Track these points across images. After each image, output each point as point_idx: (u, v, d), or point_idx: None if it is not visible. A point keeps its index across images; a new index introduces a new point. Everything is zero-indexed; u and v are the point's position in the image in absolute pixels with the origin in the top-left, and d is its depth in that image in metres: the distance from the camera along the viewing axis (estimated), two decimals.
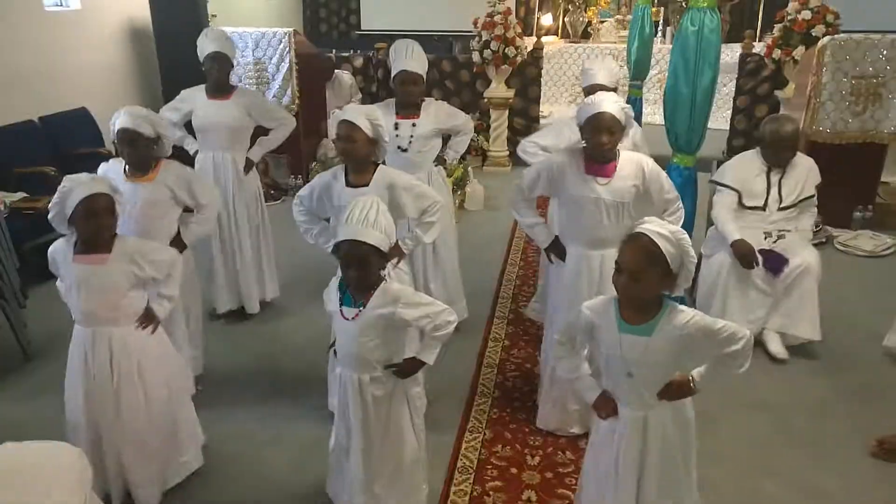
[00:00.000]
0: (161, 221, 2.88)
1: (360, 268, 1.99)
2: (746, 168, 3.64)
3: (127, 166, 2.83)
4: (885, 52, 4.83)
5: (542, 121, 7.65)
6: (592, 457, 2.08)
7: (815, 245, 3.58)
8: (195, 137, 3.79)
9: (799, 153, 3.62)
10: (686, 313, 1.80)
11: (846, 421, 2.96)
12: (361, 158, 2.62)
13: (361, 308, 2.04)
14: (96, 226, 2.26)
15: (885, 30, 5.31)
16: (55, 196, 2.27)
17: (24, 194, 4.42)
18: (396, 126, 3.34)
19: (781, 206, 3.55)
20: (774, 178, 3.57)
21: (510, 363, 3.44)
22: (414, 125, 3.36)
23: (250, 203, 3.84)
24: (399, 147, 3.36)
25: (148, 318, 2.42)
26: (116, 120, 2.74)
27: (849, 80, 4.92)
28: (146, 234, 2.79)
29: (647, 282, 1.76)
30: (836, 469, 2.66)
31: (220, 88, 3.71)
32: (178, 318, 2.96)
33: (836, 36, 5.12)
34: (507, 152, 7.25)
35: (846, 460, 2.71)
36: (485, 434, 2.87)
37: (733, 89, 7.17)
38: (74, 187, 2.24)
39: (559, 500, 2.48)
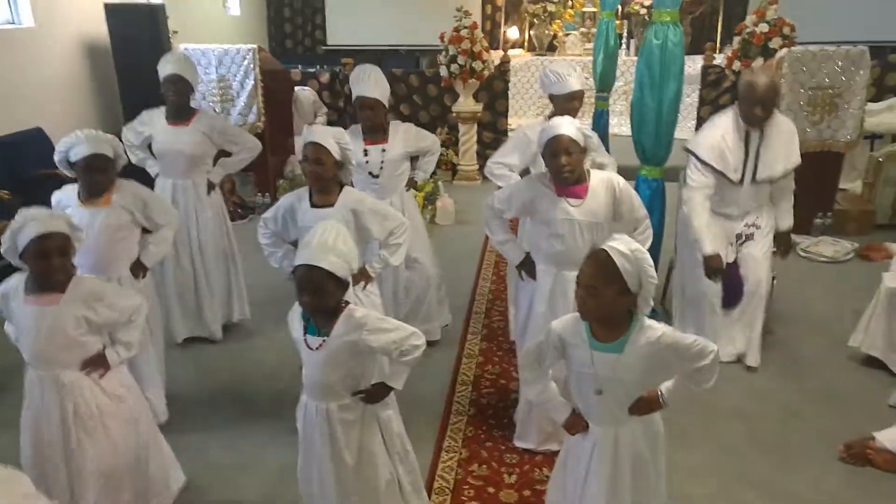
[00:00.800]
0: (121, 245, 2.81)
1: (314, 294, 1.93)
2: (722, 133, 3.34)
3: (82, 192, 2.74)
4: (840, 63, 4.96)
5: (510, 134, 7.69)
6: (560, 476, 2.06)
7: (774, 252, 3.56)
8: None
9: (778, 113, 3.39)
10: (656, 329, 1.80)
11: (815, 426, 3.00)
12: (328, 180, 2.60)
13: (325, 338, 1.99)
14: (47, 266, 2.14)
15: (839, 41, 5.47)
16: (7, 229, 2.15)
17: None
18: (366, 153, 3.32)
19: (761, 177, 3.32)
20: (754, 144, 3.31)
21: (485, 379, 3.41)
22: (384, 150, 3.34)
23: (214, 226, 3.75)
24: (370, 173, 3.33)
25: (94, 363, 2.26)
26: (74, 147, 2.64)
27: (806, 91, 5.04)
28: (107, 260, 2.73)
29: (603, 298, 1.76)
30: (808, 475, 2.69)
31: (180, 113, 3.60)
32: (145, 352, 2.86)
33: (792, 48, 5.25)
34: (477, 166, 7.27)
35: (817, 466, 2.75)
36: (461, 453, 2.84)
37: (697, 100, 7.31)
38: (27, 223, 2.11)
39: None
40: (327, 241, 1.94)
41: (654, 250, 3.79)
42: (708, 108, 7.06)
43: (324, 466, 2.10)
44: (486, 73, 6.85)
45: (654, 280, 1.77)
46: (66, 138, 2.68)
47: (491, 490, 2.62)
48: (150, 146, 3.71)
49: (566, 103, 3.24)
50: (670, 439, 2.87)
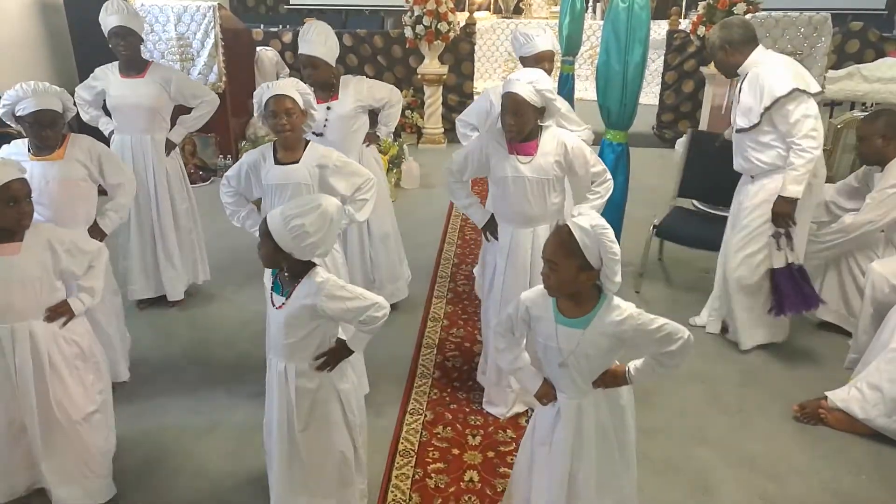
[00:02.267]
0: (77, 203, 2.71)
1: (264, 245, 1.94)
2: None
3: (31, 146, 2.64)
4: (802, 29, 5.02)
5: (475, 97, 7.62)
6: (528, 442, 2.07)
7: None
8: (110, 117, 3.58)
9: (755, 61, 3.10)
10: (621, 309, 1.78)
11: (771, 387, 3.09)
12: (298, 132, 2.55)
13: (286, 298, 1.97)
14: (18, 214, 2.10)
15: (802, 7, 5.51)
16: None
17: None
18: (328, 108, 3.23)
19: (736, 128, 3.20)
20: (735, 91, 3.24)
21: (449, 342, 3.43)
22: (329, 108, 3.23)
23: (174, 186, 3.65)
24: (314, 132, 3.17)
25: (58, 312, 2.22)
26: (21, 102, 2.53)
27: None
28: (63, 215, 2.63)
29: (563, 272, 1.75)
30: (761, 434, 2.78)
31: (133, 65, 3.47)
32: (105, 311, 2.81)
33: (756, 13, 5.28)
34: (443, 129, 7.22)
35: (771, 425, 2.84)
36: (425, 416, 2.86)
37: (661, 65, 7.33)
38: None
39: (501, 479, 2.49)
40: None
41: (616, 218, 3.83)
42: (672, 73, 7.09)
43: (274, 425, 2.09)
44: (451, 34, 6.75)
45: (615, 256, 1.72)
46: (11, 91, 2.55)
47: (455, 451, 2.65)
48: (104, 105, 3.57)
49: (535, 64, 3.22)
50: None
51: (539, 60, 3.26)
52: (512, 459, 2.56)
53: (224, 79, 5.90)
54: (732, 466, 2.60)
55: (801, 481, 2.52)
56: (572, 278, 1.75)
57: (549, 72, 3.14)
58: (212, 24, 5.77)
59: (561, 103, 3.14)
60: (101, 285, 2.37)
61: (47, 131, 2.58)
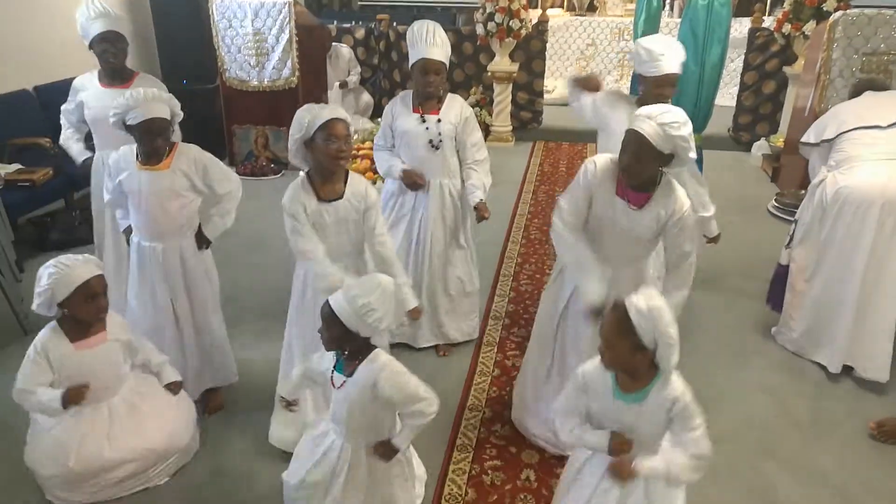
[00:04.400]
0: (181, 213, 2.63)
1: (330, 329, 1.90)
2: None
3: (140, 154, 2.57)
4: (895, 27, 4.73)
5: (545, 96, 7.56)
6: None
7: None
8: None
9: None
10: (676, 389, 1.73)
11: (845, 403, 2.95)
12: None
13: (347, 377, 1.97)
14: (96, 309, 2.30)
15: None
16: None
17: (20, 166, 4.37)
18: (423, 119, 2.97)
19: None
20: None
21: (510, 342, 3.42)
22: (439, 121, 2.97)
23: None
24: (430, 142, 2.98)
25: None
26: (132, 111, 2.47)
27: (859, 56, 4.83)
28: (165, 226, 2.62)
29: (618, 351, 1.72)
30: (833, 450, 2.66)
31: (118, 74, 3.20)
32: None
33: (847, 11, 5.02)
34: (511, 127, 7.18)
35: (844, 442, 2.71)
36: (484, 413, 2.86)
37: (741, 65, 7.06)
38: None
39: (558, 480, 2.46)
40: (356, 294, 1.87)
41: None
42: (753, 73, 6.82)
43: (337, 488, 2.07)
44: (523, 31, 6.70)
45: (670, 340, 1.66)
46: (122, 99, 2.48)
47: (513, 450, 2.64)
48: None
49: (655, 89, 2.74)
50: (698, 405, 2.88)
51: (660, 85, 2.74)
52: None
53: (297, 73, 6.05)
54: (801, 482, 2.49)
55: (877, 502, 2.40)
56: (627, 358, 1.73)
57: (668, 98, 2.71)
58: (287, 19, 5.91)
59: (696, 176, 2.96)
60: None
61: (158, 140, 2.52)
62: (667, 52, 2.72)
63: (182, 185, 2.60)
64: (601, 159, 2.24)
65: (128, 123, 2.50)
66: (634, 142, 2.05)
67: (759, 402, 2.96)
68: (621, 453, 1.78)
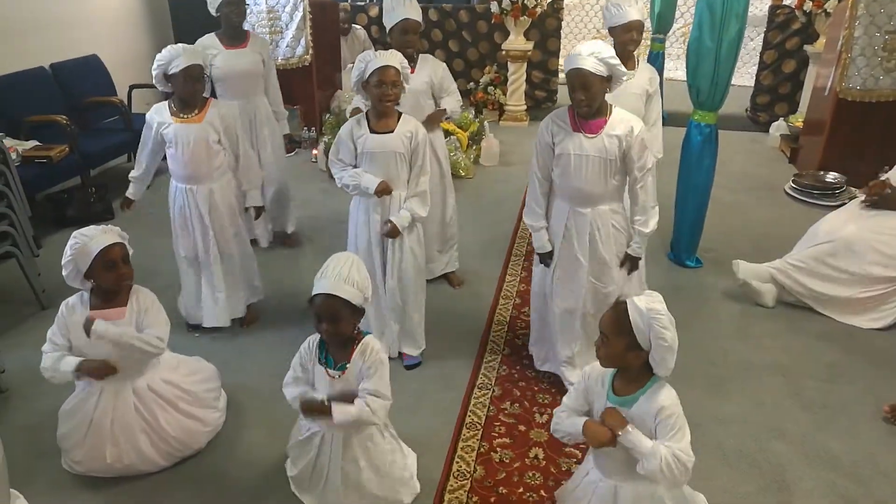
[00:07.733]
0: (213, 160, 3.01)
1: (332, 321, 1.98)
2: None
3: (176, 104, 2.95)
4: None
5: (560, 75, 7.48)
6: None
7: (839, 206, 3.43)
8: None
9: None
10: (666, 396, 1.75)
11: (858, 386, 2.93)
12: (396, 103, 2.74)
13: (342, 370, 2.05)
14: (117, 276, 2.30)
15: None
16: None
17: (37, 143, 4.40)
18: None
19: None
20: None
21: (521, 321, 3.42)
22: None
23: (273, 148, 4.06)
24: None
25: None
26: (173, 61, 2.83)
27: (882, 34, 4.73)
28: (199, 175, 3.01)
29: (612, 347, 1.77)
30: (845, 433, 2.65)
31: (238, 35, 3.75)
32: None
33: None
34: (525, 106, 7.12)
35: (856, 425, 2.69)
36: (493, 391, 2.88)
37: (760, 43, 6.96)
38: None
39: (566, 458, 2.48)
40: (342, 272, 1.97)
41: (701, 203, 3.69)
42: (772, 51, 6.71)
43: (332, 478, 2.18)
44: (538, 10, 6.63)
45: (665, 343, 1.68)
46: (164, 52, 2.86)
47: (522, 428, 2.66)
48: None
49: (623, 34, 3.24)
50: (706, 388, 2.87)
51: (628, 30, 3.25)
52: None
53: (311, 51, 6.02)
54: (812, 464, 2.49)
55: (889, 485, 2.39)
56: (620, 355, 1.77)
57: (637, 42, 3.28)
58: None
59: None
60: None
61: (197, 85, 2.91)
62: (631, 4, 3.24)
63: (212, 136, 2.98)
64: (547, 117, 2.62)
65: (169, 73, 2.86)
66: (580, 76, 2.36)
67: (771, 383, 2.94)
68: (598, 440, 1.79)
